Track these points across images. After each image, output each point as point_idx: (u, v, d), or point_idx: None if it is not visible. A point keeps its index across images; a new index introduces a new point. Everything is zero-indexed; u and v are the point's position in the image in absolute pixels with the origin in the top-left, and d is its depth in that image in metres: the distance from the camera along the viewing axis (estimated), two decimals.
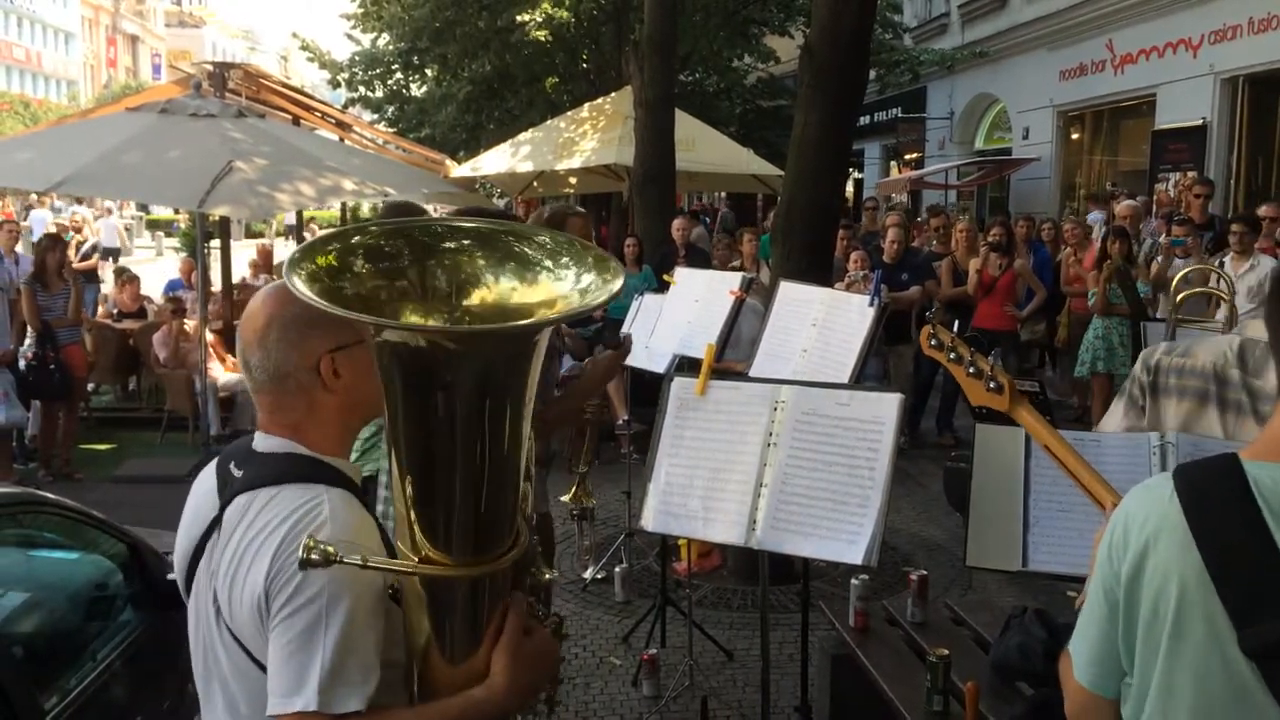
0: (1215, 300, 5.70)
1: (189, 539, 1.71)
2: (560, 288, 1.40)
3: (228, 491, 1.64)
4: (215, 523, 1.64)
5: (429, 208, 6.37)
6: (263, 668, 1.53)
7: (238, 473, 1.66)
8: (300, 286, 1.29)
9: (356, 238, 1.43)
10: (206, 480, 1.74)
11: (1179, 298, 3.78)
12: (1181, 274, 6.09)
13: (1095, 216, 11.87)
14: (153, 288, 12.21)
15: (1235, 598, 1.34)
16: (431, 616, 1.47)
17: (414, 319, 1.37)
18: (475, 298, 1.42)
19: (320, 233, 1.72)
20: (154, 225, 34.76)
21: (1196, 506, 1.39)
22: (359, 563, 1.39)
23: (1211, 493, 1.40)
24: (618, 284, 1.36)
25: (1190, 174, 12.85)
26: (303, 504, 1.55)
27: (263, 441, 1.68)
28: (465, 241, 1.46)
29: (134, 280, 11.42)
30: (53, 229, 13.48)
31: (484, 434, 1.36)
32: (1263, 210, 8.52)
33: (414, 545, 1.41)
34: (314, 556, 1.36)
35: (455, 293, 1.42)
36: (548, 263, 1.43)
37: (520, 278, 1.42)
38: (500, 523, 1.43)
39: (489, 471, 1.38)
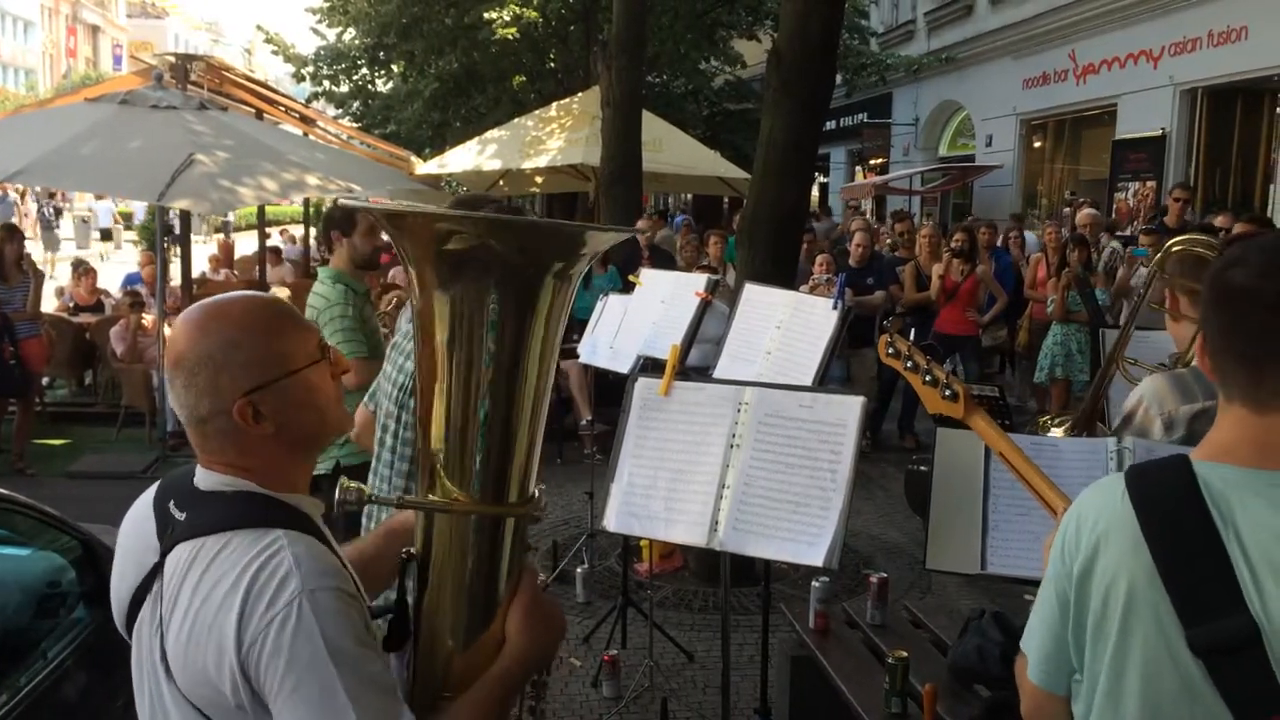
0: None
1: (125, 584, 1.53)
2: None
3: (169, 537, 1.47)
4: (156, 570, 1.47)
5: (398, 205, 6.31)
6: None
7: (179, 514, 1.48)
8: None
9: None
10: (141, 519, 1.55)
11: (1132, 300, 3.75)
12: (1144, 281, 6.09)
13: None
14: (111, 281, 12.03)
15: (1184, 596, 1.35)
16: (455, 574, 1.49)
17: None
18: None
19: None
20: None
21: (1147, 506, 1.41)
22: (394, 501, 1.62)
23: (1161, 492, 1.42)
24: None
25: (1149, 183, 13.03)
26: (257, 555, 1.38)
27: (205, 478, 1.50)
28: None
29: (90, 273, 11.25)
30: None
31: (522, 365, 1.44)
32: (1218, 220, 8.62)
33: (443, 489, 1.47)
34: (349, 498, 1.52)
35: None
36: None
37: None
38: (526, 467, 1.49)
39: (522, 406, 1.46)
